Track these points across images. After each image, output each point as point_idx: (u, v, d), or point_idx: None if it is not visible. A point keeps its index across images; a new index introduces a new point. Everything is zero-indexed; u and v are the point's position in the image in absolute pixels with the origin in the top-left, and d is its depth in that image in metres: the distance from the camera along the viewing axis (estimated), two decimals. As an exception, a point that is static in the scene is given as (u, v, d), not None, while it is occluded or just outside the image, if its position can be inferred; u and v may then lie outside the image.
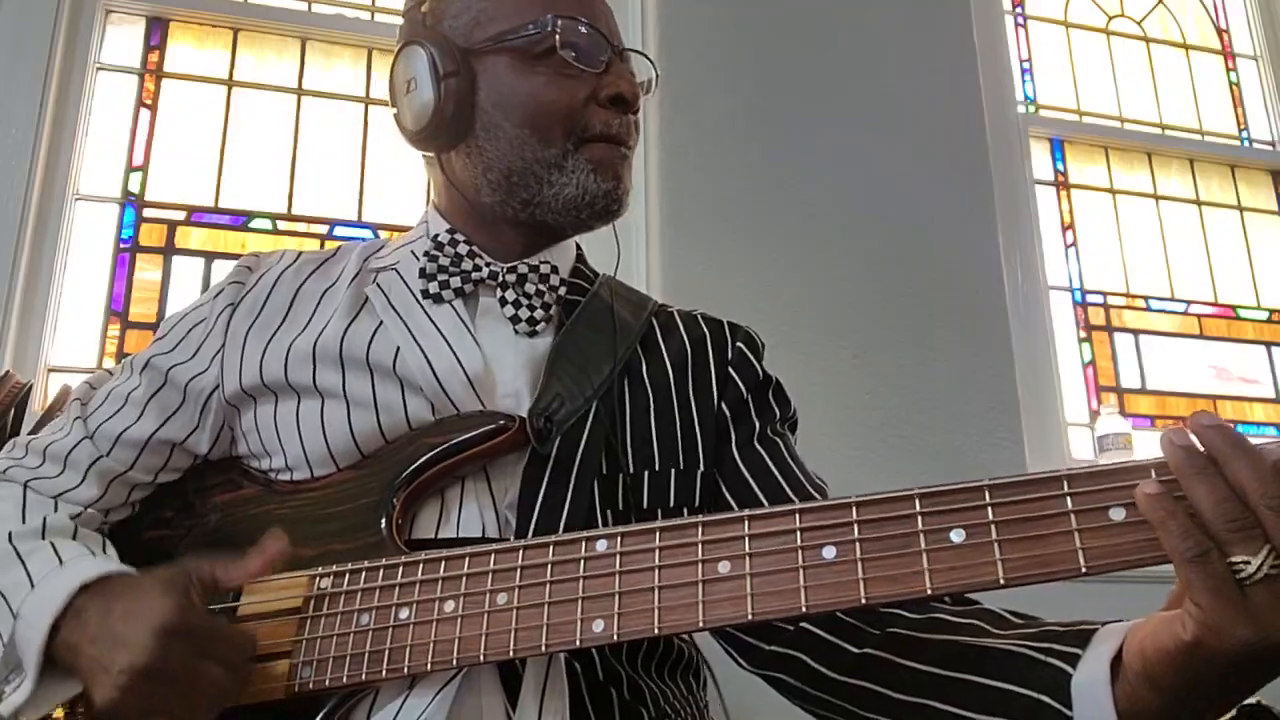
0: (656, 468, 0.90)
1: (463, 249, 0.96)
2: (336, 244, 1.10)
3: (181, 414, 0.94)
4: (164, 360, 0.95)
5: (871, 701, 0.77)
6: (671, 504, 0.90)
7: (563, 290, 0.97)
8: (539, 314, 0.94)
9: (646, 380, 0.95)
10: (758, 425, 0.97)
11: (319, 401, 0.89)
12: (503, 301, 0.94)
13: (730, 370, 0.99)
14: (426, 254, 0.96)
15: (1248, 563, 0.55)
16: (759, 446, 0.95)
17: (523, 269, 0.96)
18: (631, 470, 0.89)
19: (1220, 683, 0.59)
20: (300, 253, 1.02)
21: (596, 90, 0.94)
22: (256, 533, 0.82)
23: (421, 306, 0.93)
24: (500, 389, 0.90)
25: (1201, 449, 0.58)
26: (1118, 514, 0.59)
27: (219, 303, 0.96)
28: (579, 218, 0.95)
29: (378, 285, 0.95)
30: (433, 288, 0.94)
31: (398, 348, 0.90)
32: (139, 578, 0.78)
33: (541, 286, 0.95)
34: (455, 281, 0.94)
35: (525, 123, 0.93)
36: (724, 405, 0.97)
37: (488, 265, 0.96)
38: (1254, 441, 0.59)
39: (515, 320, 0.94)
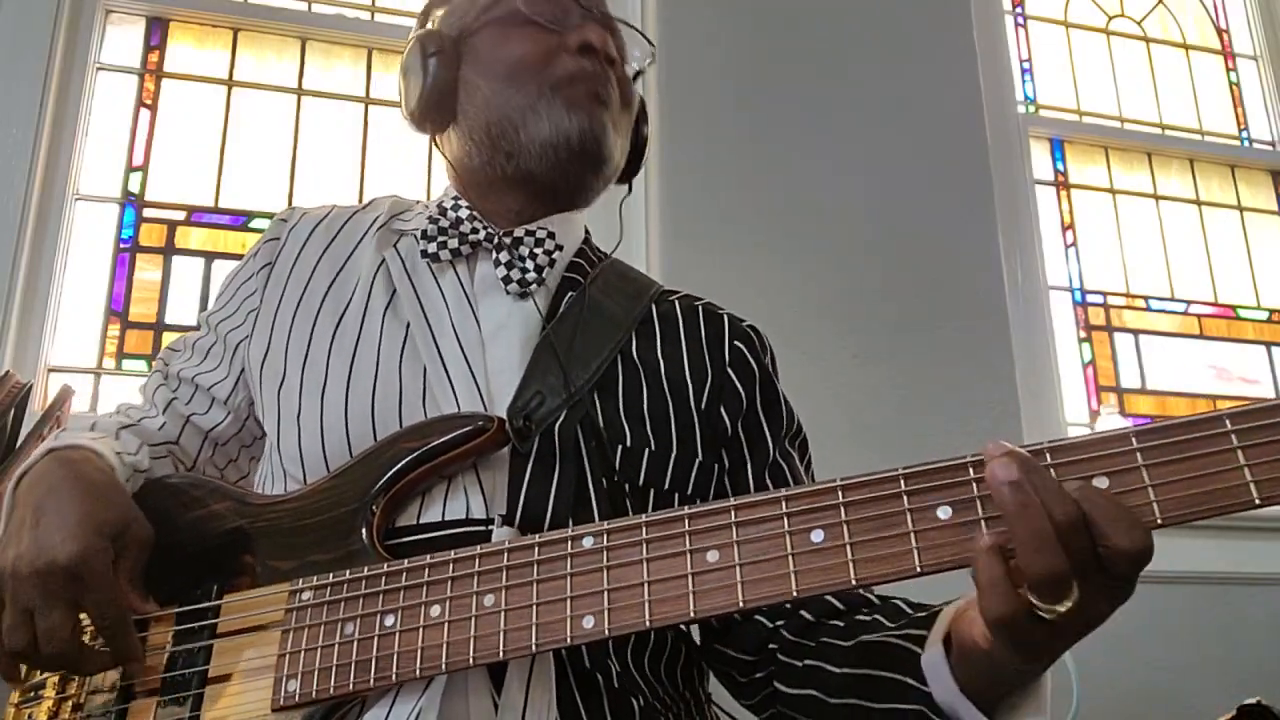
0: (654, 447, 0.91)
1: (464, 213, 1.00)
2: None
3: (222, 362, 1.03)
4: (215, 316, 1.06)
5: (815, 708, 0.83)
6: (667, 485, 0.90)
7: (557, 255, 0.99)
8: (530, 275, 0.96)
9: (640, 366, 0.95)
10: (771, 448, 0.99)
11: (322, 381, 0.92)
12: (496, 263, 0.97)
13: (729, 371, 0.99)
14: (430, 218, 1.00)
15: (1053, 610, 0.59)
16: (781, 462, 0.98)
17: (519, 233, 0.98)
18: (629, 444, 0.89)
19: (1027, 663, 0.65)
20: (333, 207, 1.08)
21: (565, 43, 1.00)
22: (233, 548, 0.85)
23: (433, 273, 0.97)
24: (494, 375, 0.91)
25: (1014, 479, 0.59)
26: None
27: (258, 262, 1.04)
28: (558, 159, 0.98)
29: (396, 250, 1.00)
30: (431, 248, 0.97)
31: (408, 323, 0.93)
32: (94, 485, 0.85)
33: (536, 250, 0.97)
34: (453, 243, 0.98)
35: (500, 78, 1.00)
36: (723, 411, 0.97)
37: (485, 228, 0.99)
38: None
39: (507, 281, 0.96)
